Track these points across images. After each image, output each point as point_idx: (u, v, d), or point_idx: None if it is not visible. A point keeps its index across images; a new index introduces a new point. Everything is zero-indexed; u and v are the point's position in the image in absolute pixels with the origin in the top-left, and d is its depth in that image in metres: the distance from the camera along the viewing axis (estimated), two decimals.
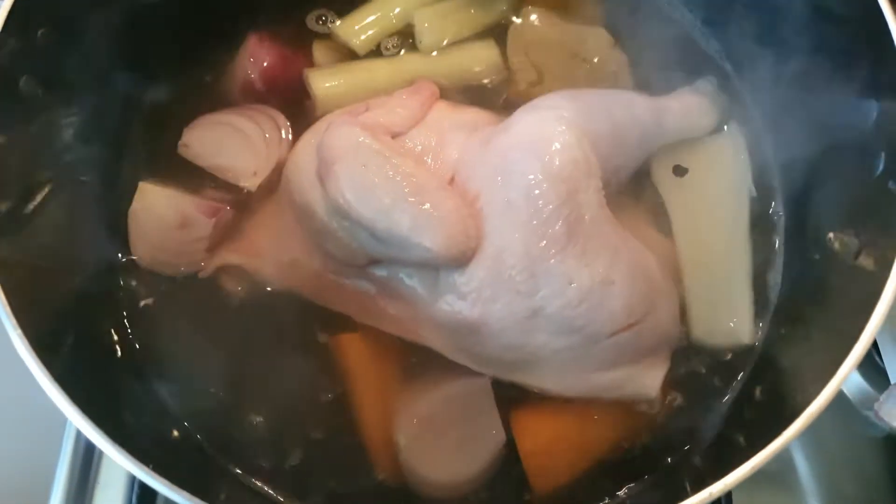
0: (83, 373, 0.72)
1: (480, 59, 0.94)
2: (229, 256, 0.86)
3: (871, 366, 0.86)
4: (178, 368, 0.84)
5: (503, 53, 0.94)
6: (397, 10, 0.95)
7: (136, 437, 0.68)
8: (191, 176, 0.88)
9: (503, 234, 0.74)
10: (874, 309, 0.66)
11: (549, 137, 0.75)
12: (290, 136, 0.90)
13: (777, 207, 0.90)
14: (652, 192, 0.89)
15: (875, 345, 0.84)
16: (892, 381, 0.84)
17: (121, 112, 0.90)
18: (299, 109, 0.92)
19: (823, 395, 0.65)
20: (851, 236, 0.77)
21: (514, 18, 0.96)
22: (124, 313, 0.85)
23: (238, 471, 0.81)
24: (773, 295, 0.87)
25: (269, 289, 0.85)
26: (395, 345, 0.83)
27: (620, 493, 0.80)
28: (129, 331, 0.85)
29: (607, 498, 0.80)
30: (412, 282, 0.79)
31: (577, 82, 0.93)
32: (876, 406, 0.73)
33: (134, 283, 0.86)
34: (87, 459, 0.90)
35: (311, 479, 0.81)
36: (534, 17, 0.96)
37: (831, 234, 0.79)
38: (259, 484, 0.81)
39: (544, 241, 0.73)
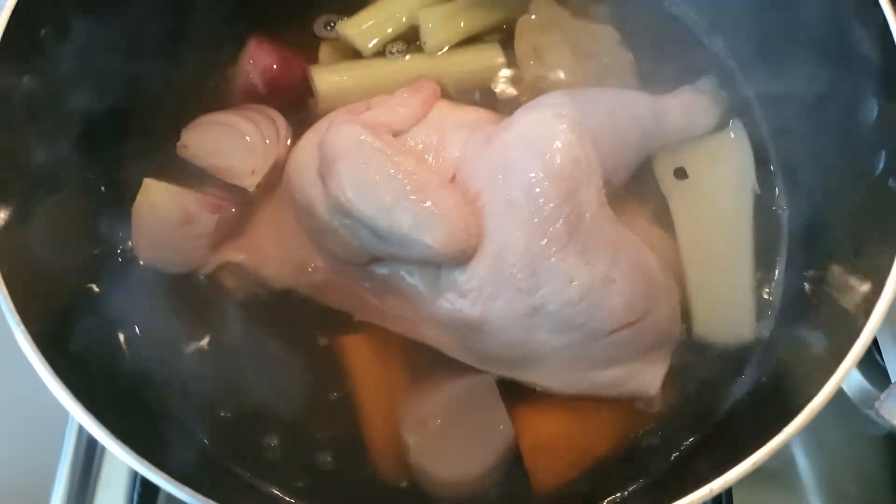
0: (86, 370, 0.72)
1: (484, 59, 0.94)
2: (230, 254, 0.86)
3: (872, 364, 0.86)
4: (179, 366, 0.84)
5: (507, 54, 0.94)
6: (402, 10, 0.95)
7: (138, 434, 0.68)
8: (191, 178, 0.88)
9: (504, 233, 0.75)
10: (874, 307, 0.67)
11: (550, 136, 0.75)
12: (290, 135, 0.90)
13: (780, 203, 0.90)
14: (653, 189, 0.89)
15: (875, 343, 0.84)
16: (893, 380, 0.84)
17: (122, 112, 0.90)
18: (301, 110, 0.92)
19: (823, 393, 0.65)
20: (852, 234, 0.77)
21: (524, 14, 0.95)
22: (126, 310, 0.85)
23: (240, 469, 0.82)
24: (775, 291, 0.87)
25: (270, 287, 0.85)
26: (399, 345, 0.83)
27: (622, 490, 0.80)
28: (130, 329, 0.85)
29: (609, 495, 0.80)
30: (413, 280, 0.79)
31: (583, 79, 0.93)
32: (876, 405, 0.73)
33: (135, 280, 0.86)
34: (89, 457, 0.90)
35: (312, 480, 0.81)
36: (544, 11, 0.95)
37: (833, 231, 0.80)
38: (261, 483, 0.81)
39: (545, 240, 0.74)
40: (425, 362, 0.82)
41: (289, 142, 0.90)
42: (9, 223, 0.72)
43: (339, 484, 0.81)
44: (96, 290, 0.83)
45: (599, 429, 0.81)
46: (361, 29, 0.94)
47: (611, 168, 0.80)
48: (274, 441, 0.82)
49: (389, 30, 0.95)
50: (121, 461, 0.65)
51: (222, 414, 0.83)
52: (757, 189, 0.89)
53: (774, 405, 0.75)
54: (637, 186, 0.88)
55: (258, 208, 0.89)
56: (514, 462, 0.79)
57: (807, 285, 0.83)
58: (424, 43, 0.94)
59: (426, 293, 0.79)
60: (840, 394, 0.66)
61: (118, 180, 0.88)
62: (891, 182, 0.72)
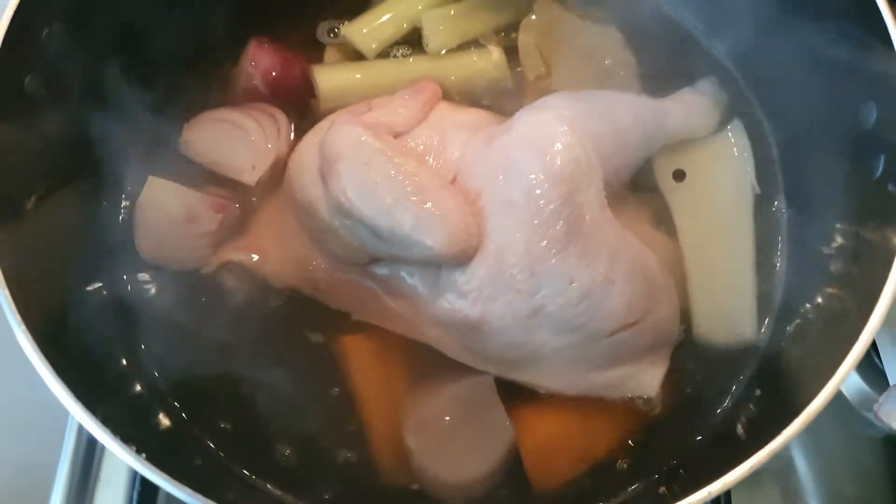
0: (86, 370, 0.72)
1: (486, 61, 0.94)
2: (232, 253, 0.86)
3: (871, 367, 0.86)
4: (180, 363, 0.84)
5: (509, 55, 0.94)
6: (405, 12, 0.94)
7: (139, 433, 0.68)
8: (193, 177, 0.88)
9: (504, 234, 0.75)
10: (873, 309, 0.67)
11: (551, 137, 0.75)
12: (291, 132, 0.91)
13: (780, 204, 0.90)
14: (654, 190, 0.89)
15: (874, 346, 0.85)
16: (892, 383, 0.84)
17: (123, 112, 0.90)
18: (303, 110, 0.92)
19: (823, 395, 0.65)
20: (852, 236, 0.77)
21: (526, 16, 0.95)
22: (127, 309, 0.85)
23: (242, 469, 0.82)
24: (776, 293, 0.87)
25: (270, 286, 0.85)
26: (399, 346, 0.83)
27: (621, 491, 0.80)
28: (131, 328, 0.85)
29: (608, 496, 0.80)
30: (413, 280, 0.80)
31: (585, 80, 0.93)
32: (875, 407, 0.73)
33: (137, 278, 0.86)
34: (89, 456, 0.90)
35: (314, 480, 0.81)
36: (546, 13, 0.95)
37: (833, 233, 0.80)
38: (262, 482, 0.81)
39: (545, 241, 0.74)
40: (425, 363, 0.82)
41: (291, 137, 0.91)
42: (9, 223, 0.72)
43: (340, 484, 0.81)
44: (97, 289, 0.83)
45: (599, 429, 0.81)
46: (364, 32, 0.94)
47: (611, 170, 0.80)
48: (274, 441, 0.82)
49: (392, 32, 0.95)
50: (121, 461, 0.65)
51: (223, 414, 0.83)
52: (757, 189, 0.89)
53: (773, 407, 0.76)
54: (637, 188, 0.88)
55: (259, 208, 0.89)
56: (514, 462, 0.80)
57: (806, 286, 0.83)
58: (427, 45, 0.94)
59: (426, 293, 0.79)
60: (839, 396, 0.66)
61: (122, 180, 0.88)
62: (890, 186, 0.72)
